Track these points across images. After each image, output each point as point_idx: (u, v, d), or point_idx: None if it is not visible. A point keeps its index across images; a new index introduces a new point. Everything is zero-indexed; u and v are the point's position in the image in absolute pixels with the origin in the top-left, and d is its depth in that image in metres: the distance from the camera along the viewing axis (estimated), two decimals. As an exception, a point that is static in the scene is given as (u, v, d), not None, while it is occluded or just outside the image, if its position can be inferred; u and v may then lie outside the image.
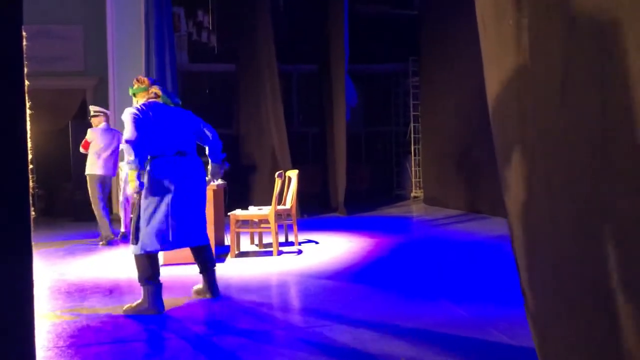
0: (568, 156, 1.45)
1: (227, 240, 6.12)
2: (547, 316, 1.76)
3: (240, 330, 3.26)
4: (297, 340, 3.08)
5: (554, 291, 1.64)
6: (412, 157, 11.78)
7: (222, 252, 5.76)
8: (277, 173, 5.87)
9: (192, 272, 4.88)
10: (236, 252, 5.64)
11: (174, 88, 8.75)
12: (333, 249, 5.94)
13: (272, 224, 5.58)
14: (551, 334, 1.76)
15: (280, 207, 6.05)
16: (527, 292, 1.94)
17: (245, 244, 6.20)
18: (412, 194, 11.79)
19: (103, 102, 9.77)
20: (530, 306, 1.95)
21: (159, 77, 8.62)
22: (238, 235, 5.78)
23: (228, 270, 4.99)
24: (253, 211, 5.86)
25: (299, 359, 2.75)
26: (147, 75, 8.66)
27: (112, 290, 4.33)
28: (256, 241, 6.26)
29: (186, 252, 5.21)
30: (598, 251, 1.31)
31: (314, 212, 9.19)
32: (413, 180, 11.81)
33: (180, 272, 4.91)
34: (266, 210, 5.73)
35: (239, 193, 8.80)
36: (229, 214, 5.76)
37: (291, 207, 6.11)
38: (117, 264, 5.40)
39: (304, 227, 7.37)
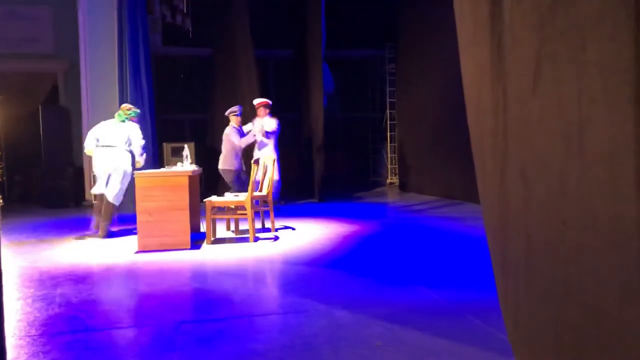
0: (543, 146, 1.46)
1: (203, 227, 6.09)
2: (519, 302, 1.79)
3: (216, 317, 3.26)
4: (273, 325, 3.09)
5: (526, 278, 1.67)
6: (388, 144, 11.84)
7: (198, 238, 5.73)
8: (253, 160, 5.84)
9: (167, 258, 4.84)
10: (212, 239, 5.61)
11: (147, 72, 8.58)
12: (309, 235, 5.96)
13: (249, 211, 5.56)
14: (523, 320, 1.80)
15: (257, 193, 6.03)
16: (500, 279, 1.98)
17: (222, 231, 6.18)
18: (388, 181, 11.86)
19: (75, 87, 9.55)
20: (502, 293, 1.99)
21: (132, 60, 8.44)
22: (214, 221, 5.75)
23: (204, 257, 4.97)
24: (229, 197, 5.83)
25: (275, 344, 2.76)
26: (120, 57, 8.48)
27: (85, 278, 4.27)
28: (232, 227, 6.24)
29: (161, 239, 5.17)
30: (571, 240, 1.33)
31: (291, 199, 9.19)
32: (389, 166, 11.88)
33: (154, 259, 4.87)
34: (242, 197, 5.70)
35: (215, 180, 8.72)
36: (204, 200, 5.72)
37: (268, 194, 6.09)
38: (90, 252, 5.33)
39: (280, 213, 7.38)
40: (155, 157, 8.53)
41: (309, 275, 4.25)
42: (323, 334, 2.91)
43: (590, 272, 1.21)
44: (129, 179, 5.98)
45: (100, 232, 5.96)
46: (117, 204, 6.01)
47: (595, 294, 1.18)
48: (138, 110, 6.43)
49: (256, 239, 5.64)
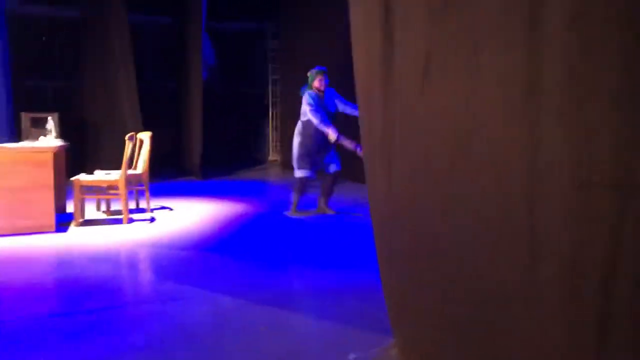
0: (430, 145, 1.50)
1: (70, 207, 5.60)
2: (404, 292, 1.86)
3: (88, 308, 3.02)
4: (152, 315, 2.94)
5: (411, 272, 1.73)
6: (271, 121, 11.77)
7: (64, 220, 5.26)
8: (127, 135, 5.46)
9: (28, 243, 4.39)
10: (80, 220, 5.19)
11: (2, 34, 7.62)
12: (188, 215, 5.75)
13: (122, 190, 5.21)
14: (406, 309, 1.87)
15: (131, 171, 5.67)
16: (385, 270, 2.03)
17: (91, 212, 5.73)
18: (270, 158, 11.84)
19: None
20: (386, 282, 2.05)
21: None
22: (83, 201, 5.31)
23: (71, 241, 4.58)
24: (100, 176, 5.41)
25: (156, 336, 2.62)
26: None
27: None
28: (103, 208, 5.82)
29: (22, 221, 4.67)
30: (455, 238, 1.39)
31: (168, 176, 8.79)
32: (271, 144, 11.84)
33: (14, 244, 4.39)
34: (115, 176, 5.33)
35: (82, 156, 8.07)
36: (71, 179, 5.25)
37: (143, 172, 5.75)
38: None
39: (156, 192, 7.01)
40: (13, 129, 7.65)
41: (189, 260, 4.10)
42: (206, 321, 2.83)
43: (473, 269, 1.27)
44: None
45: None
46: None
47: (478, 290, 1.25)
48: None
49: (130, 221, 5.32)
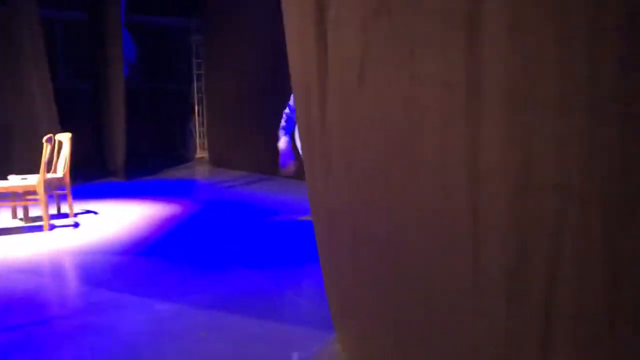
0: (367, 146, 1.52)
1: (-17, 216, 5.22)
2: (347, 292, 1.89)
3: (11, 325, 2.83)
4: (84, 328, 2.80)
5: (354, 271, 1.76)
6: (197, 118, 11.52)
7: (-23, 230, 4.90)
8: (45, 137, 5.15)
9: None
10: (-4, 230, 4.85)
11: None
12: (115, 219, 5.52)
13: (42, 195, 4.92)
14: (349, 307, 1.90)
15: (50, 175, 5.36)
16: (326, 268, 2.06)
17: (6, 220, 5.36)
18: (197, 156, 11.59)
19: None
20: (328, 281, 2.07)
21: None
22: (-3, 209, 4.96)
23: (-13, 253, 4.27)
24: (16, 181, 5.07)
25: (90, 350, 2.51)
26: None
27: None
28: (20, 215, 5.47)
29: None
30: (398, 238, 1.42)
31: (90, 178, 8.39)
32: (197, 141, 11.60)
33: None
34: (33, 180, 5.02)
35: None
36: (-17, 185, 4.89)
37: (64, 175, 5.45)
38: None
39: (79, 195, 6.68)
40: None
41: (120, 266, 3.94)
42: (143, 330, 2.74)
43: (416, 270, 1.31)
44: None
45: None
46: None
47: (424, 291, 1.29)
48: None
49: (52, 227, 5.04)
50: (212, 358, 2.42)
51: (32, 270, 3.87)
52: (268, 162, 8.71)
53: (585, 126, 0.86)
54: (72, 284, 3.75)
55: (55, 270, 4.04)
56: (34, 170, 5.87)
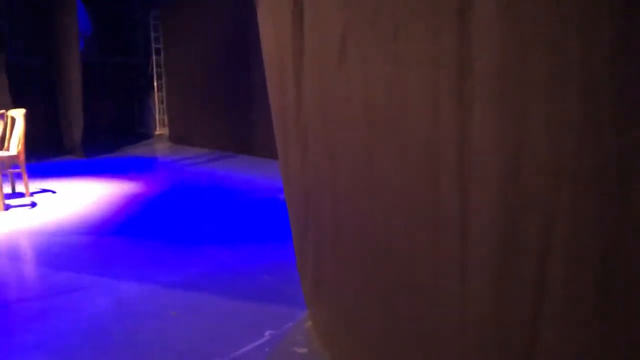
0: (349, 126, 1.51)
1: None
2: (324, 270, 1.89)
3: (-31, 310, 2.72)
4: (48, 311, 2.72)
5: (332, 250, 1.75)
6: (156, 93, 11.19)
7: None
8: (-4, 113, 4.91)
9: None
10: (-54, 211, 4.62)
11: None
12: (74, 198, 5.34)
13: (-5, 174, 4.70)
14: (325, 286, 1.90)
15: (3, 153, 5.13)
16: (299, 247, 2.04)
17: (-42, 199, 5.11)
18: (157, 132, 11.30)
19: None
20: (301, 260, 2.06)
21: None
22: (-53, 189, 4.72)
23: (-62, 235, 4.07)
24: (-33, 159, 4.82)
25: (54, 332, 2.43)
26: None
27: None
28: (-28, 194, 5.22)
29: None
30: (380, 218, 1.42)
31: (46, 156, 8.07)
32: (157, 117, 11.30)
33: None
34: (-15, 158, 4.79)
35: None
36: None
37: (18, 152, 5.22)
38: None
39: (34, 174, 6.42)
40: None
41: (82, 246, 3.83)
42: (109, 312, 2.68)
43: (405, 252, 1.31)
44: None
45: None
46: None
47: (407, 269, 1.30)
48: None
49: (7, 207, 4.84)
50: (183, 339, 2.39)
51: (-12, 252, 3.72)
52: (229, 140, 8.59)
53: (578, 108, 0.86)
54: (31, 265, 3.62)
55: (13, 252, 3.90)
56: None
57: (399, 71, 1.23)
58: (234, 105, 8.44)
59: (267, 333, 2.44)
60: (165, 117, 10.99)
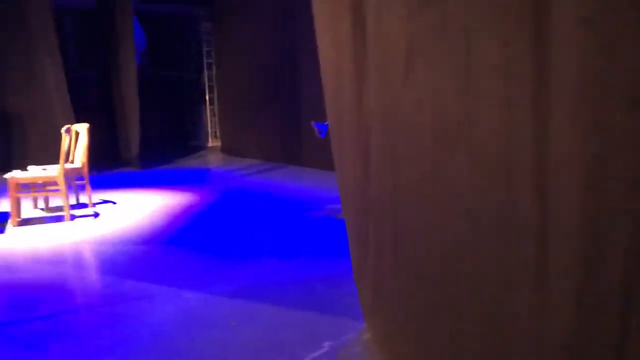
0: (416, 136, 1.50)
1: (2, 206, 5.26)
2: (382, 279, 1.88)
3: (42, 314, 2.86)
4: (114, 317, 2.83)
5: (392, 260, 1.74)
6: (207, 106, 11.49)
7: (-1, 220, 4.94)
8: (64, 128, 5.17)
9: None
10: (18, 220, 4.88)
11: None
12: (134, 208, 5.54)
13: (62, 186, 4.94)
14: (383, 295, 1.88)
15: (69, 165, 5.38)
16: (357, 257, 2.04)
17: (27, 210, 5.40)
18: (209, 144, 11.58)
19: None
20: (359, 270, 2.05)
21: None
22: (18, 200, 4.99)
23: (12, 242, 4.30)
24: (36, 172, 5.09)
25: (120, 338, 2.53)
26: None
27: None
28: (41, 205, 5.50)
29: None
30: (447, 229, 1.41)
31: (105, 168, 8.41)
32: (209, 129, 11.58)
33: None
34: (53, 171, 5.03)
35: (6, 151, 7.57)
36: (5, 176, 4.91)
37: (82, 165, 5.47)
38: None
39: (96, 185, 6.70)
40: None
41: (144, 256, 3.96)
42: (172, 320, 2.75)
43: (473, 264, 1.29)
44: None
45: None
46: None
47: (478, 279, 1.28)
48: None
49: (72, 217, 5.07)
50: (242, 347, 2.43)
51: (56, 259, 3.90)
52: (280, 150, 8.70)
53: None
54: (97, 273, 3.78)
55: (78, 261, 4.07)
56: (49, 160, 5.89)
57: (469, 81, 1.22)
58: (284, 117, 8.56)
59: (325, 344, 2.45)
60: (218, 130, 11.26)
